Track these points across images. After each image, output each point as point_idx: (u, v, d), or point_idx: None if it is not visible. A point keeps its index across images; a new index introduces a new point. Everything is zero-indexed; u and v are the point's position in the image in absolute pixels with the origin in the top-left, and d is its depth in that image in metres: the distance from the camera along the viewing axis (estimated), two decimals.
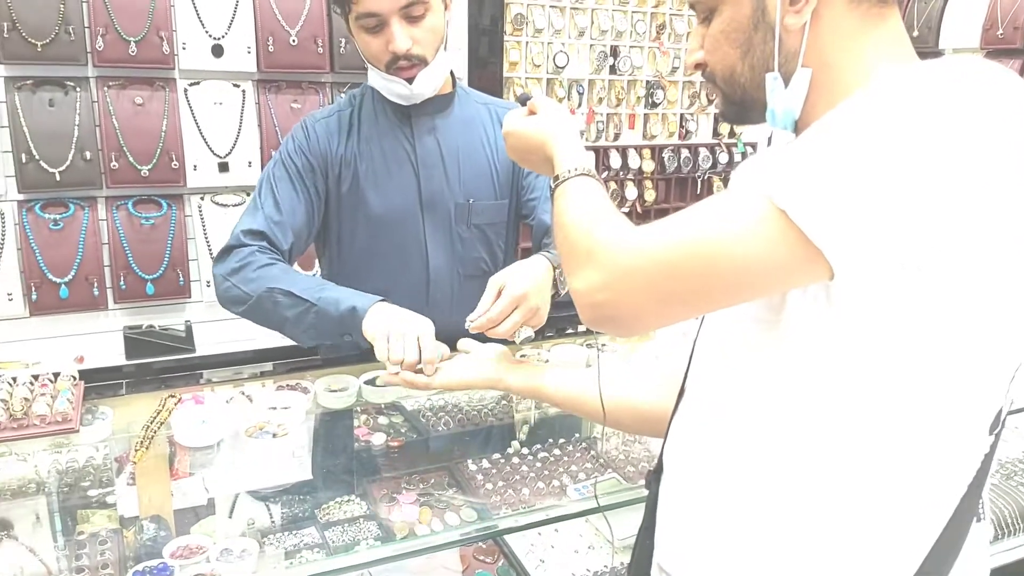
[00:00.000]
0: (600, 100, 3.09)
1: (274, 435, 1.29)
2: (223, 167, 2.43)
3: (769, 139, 0.79)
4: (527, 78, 2.93)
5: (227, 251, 1.58)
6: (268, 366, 1.65)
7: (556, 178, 0.89)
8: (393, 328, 1.36)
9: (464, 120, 1.71)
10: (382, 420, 1.52)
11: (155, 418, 1.32)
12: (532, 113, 1.03)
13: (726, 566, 0.81)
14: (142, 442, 1.29)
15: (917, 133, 0.64)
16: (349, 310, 1.42)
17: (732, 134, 3.41)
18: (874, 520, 0.75)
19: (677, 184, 3.30)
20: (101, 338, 2.40)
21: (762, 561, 0.79)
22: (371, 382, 1.58)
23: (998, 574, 0.86)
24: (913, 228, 0.64)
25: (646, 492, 0.97)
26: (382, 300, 1.44)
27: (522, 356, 1.74)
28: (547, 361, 1.74)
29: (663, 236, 0.72)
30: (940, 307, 0.68)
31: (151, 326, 2.43)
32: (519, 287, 1.31)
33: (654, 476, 0.97)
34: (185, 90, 2.41)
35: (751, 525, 0.80)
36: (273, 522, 1.30)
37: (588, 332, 2.62)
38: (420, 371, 1.32)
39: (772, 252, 0.67)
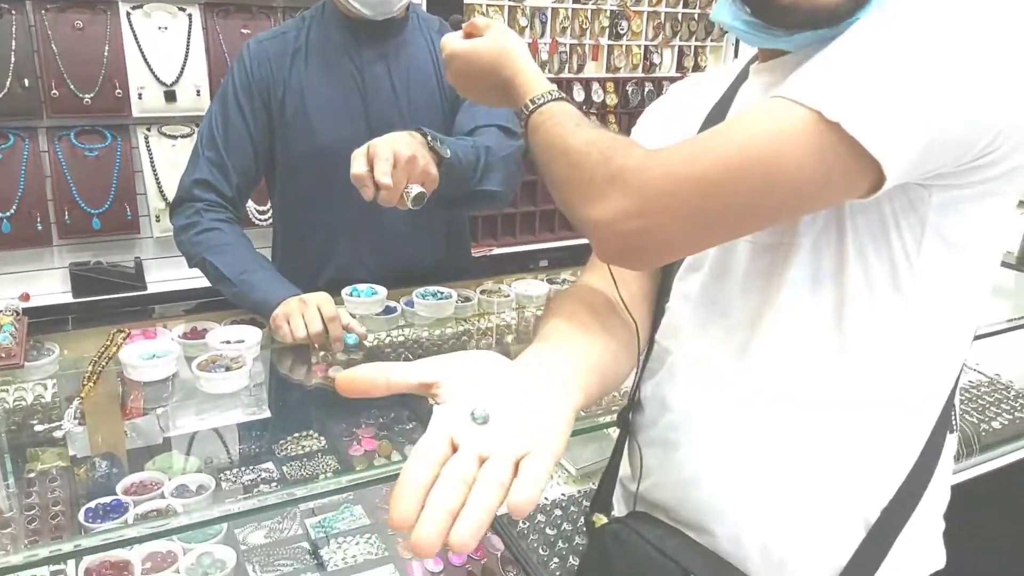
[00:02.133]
0: (563, 30, 3.03)
1: (227, 368, 1.28)
2: (170, 96, 2.34)
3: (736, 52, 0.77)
4: (488, 5, 2.85)
5: (177, 204, 1.63)
6: (222, 301, 1.62)
7: (531, 102, 0.82)
8: (291, 309, 1.43)
9: (415, 46, 1.66)
10: (340, 356, 1.51)
11: (103, 353, 1.30)
12: (470, 35, 0.93)
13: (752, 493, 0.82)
14: (89, 377, 1.27)
15: (963, 29, 0.63)
16: (260, 302, 1.48)
17: (696, 67, 3.38)
18: (874, 433, 0.78)
19: None
20: (46, 275, 2.34)
21: (781, 480, 0.81)
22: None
23: None
24: (969, 129, 0.65)
25: (601, 420, 0.98)
26: (294, 295, 1.47)
27: (483, 291, 1.73)
28: (508, 296, 1.74)
29: (701, 155, 0.68)
30: (988, 211, 0.72)
31: (99, 262, 2.37)
32: (387, 147, 1.29)
33: (624, 414, 0.97)
34: (128, 14, 2.30)
35: (772, 449, 0.81)
36: (231, 458, 1.29)
37: (550, 267, 2.63)
38: (326, 347, 1.42)
39: (823, 166, 0.64)
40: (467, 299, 1.69)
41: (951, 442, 0.85)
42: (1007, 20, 0.65)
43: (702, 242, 0.75)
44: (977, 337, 0.85)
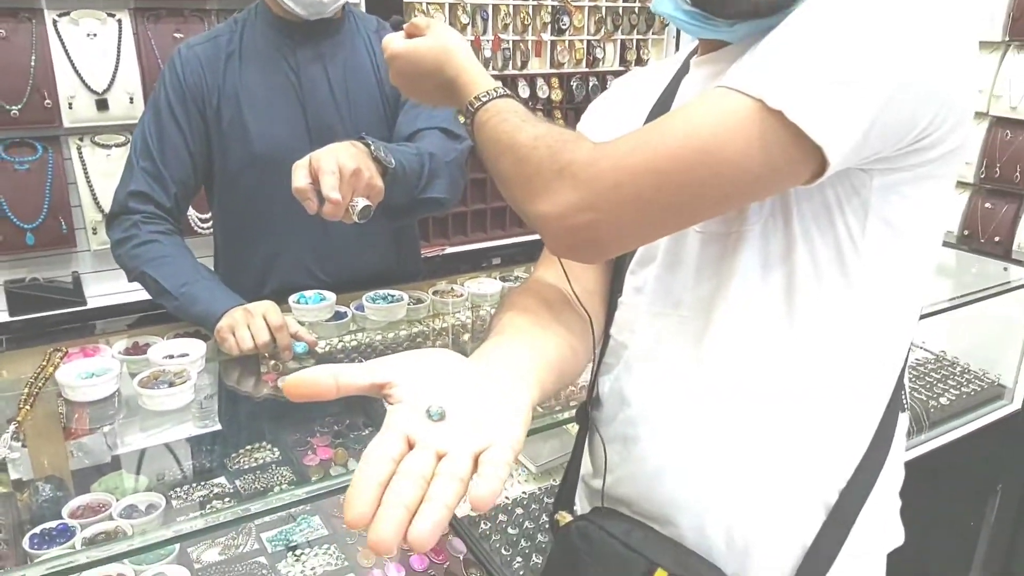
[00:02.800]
0: (505, 26, 3.03)
1: (171, 384, 1.25)
2: (102, 104, 2.27)
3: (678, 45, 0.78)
4: (428, 3, 2.83)
5: (113, 217, 1.59)
6: (166, 314, 1.58)
7: (476, 99, 0.82)
8: (235, 320, 1.40)
9: (353, 47, 1.64)
10: (292, 364, 1.49)
11: (39, 373, 1.25)
12: (411, 36, 0.92)
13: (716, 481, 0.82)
14: (26, 399, 1.22)
15: (898, 15, 0.65)
16: (202, 314, 1.44)
17: (639, 61, 3.40)
18: (829, 416, 0.80)
19: None
20: None
21: (744, 467, 0.81)
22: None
23: None
24: (907, 114, 0.66)
25: (561, 416, 0.98)
26: (238, 305, 1.44)
27: (435, 292, 1.72)
28: (462, 296, 1.73)
29: (646, 147, 0.68)
30: (928, 193, 0.74)
31: (35, 279, 2.29)
32: (332, 160, 1.26)
33: (583, 409, 0.97)
34: (54, 21, 2.22)
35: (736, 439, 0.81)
36: (183, 474, 1.26)
37: (503, 265, 2.62)
38: (275, 356, 1.42)
39: (767, 154, 0.65)
40: (419, 301, 1.68)
41: (903, 421, 0.87)
42: (940, 6, 0.66)
43: (652, 233, 0.75)
44: (922, 316, 0.87)
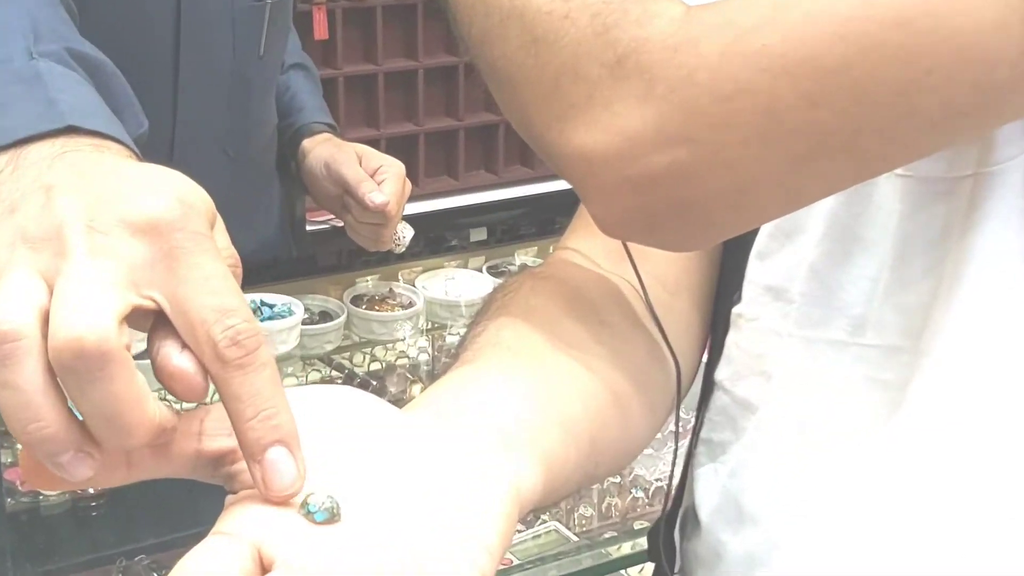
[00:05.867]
0: None
1: None
2: None
3: None
4: None
5: None
6: None
7: None
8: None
9: None
10: None
11: None
12: None
13: None
14: None
15: None
16: None
17: None
18: None
19: None
20: None
21: None
22: None
23: None
24: None
25: (613, 552, 0.98)
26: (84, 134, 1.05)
27: (355, 299, 1.74)
28: (412, 306, 1.76)
29: (794, 14, 0.69)
30: None
31: None
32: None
33: (659, 535, 0.99)
34: None
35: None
36: None
37: (491, 244, 2.64)
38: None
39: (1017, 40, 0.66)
40: (327, 316, 1.70)
41: None
42: None
43: (806, 190, 0.76)
44: None
